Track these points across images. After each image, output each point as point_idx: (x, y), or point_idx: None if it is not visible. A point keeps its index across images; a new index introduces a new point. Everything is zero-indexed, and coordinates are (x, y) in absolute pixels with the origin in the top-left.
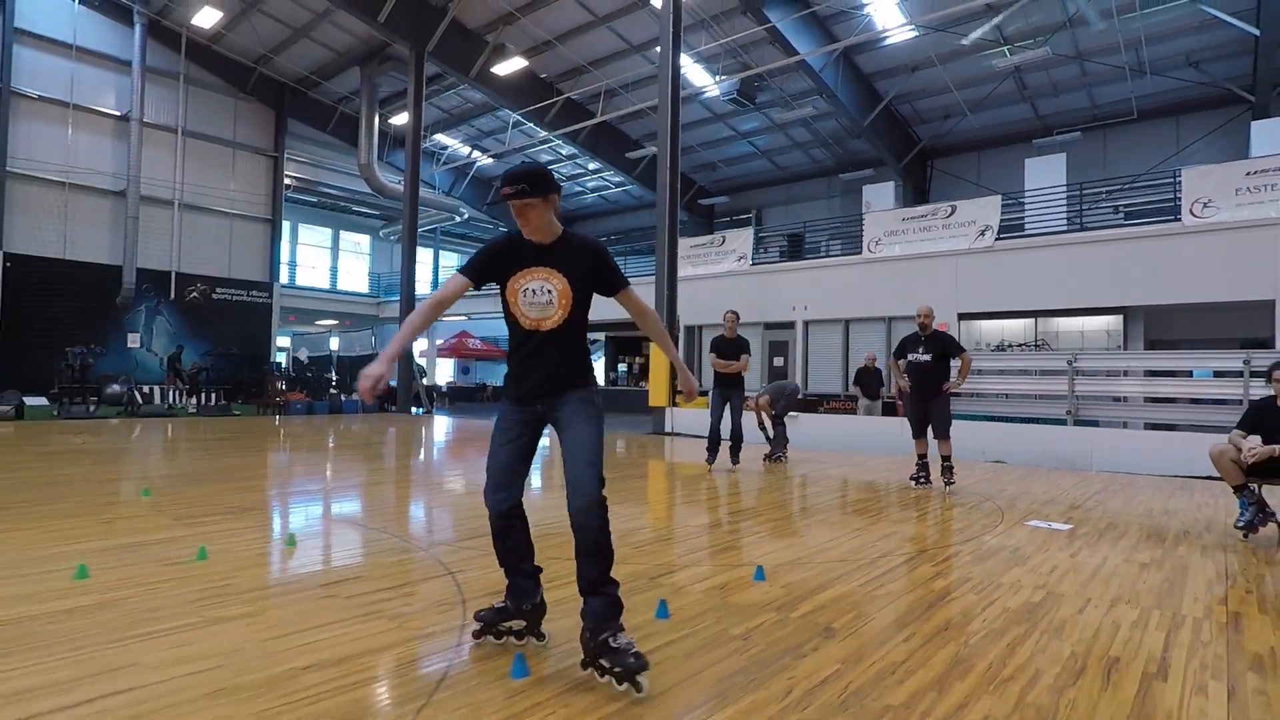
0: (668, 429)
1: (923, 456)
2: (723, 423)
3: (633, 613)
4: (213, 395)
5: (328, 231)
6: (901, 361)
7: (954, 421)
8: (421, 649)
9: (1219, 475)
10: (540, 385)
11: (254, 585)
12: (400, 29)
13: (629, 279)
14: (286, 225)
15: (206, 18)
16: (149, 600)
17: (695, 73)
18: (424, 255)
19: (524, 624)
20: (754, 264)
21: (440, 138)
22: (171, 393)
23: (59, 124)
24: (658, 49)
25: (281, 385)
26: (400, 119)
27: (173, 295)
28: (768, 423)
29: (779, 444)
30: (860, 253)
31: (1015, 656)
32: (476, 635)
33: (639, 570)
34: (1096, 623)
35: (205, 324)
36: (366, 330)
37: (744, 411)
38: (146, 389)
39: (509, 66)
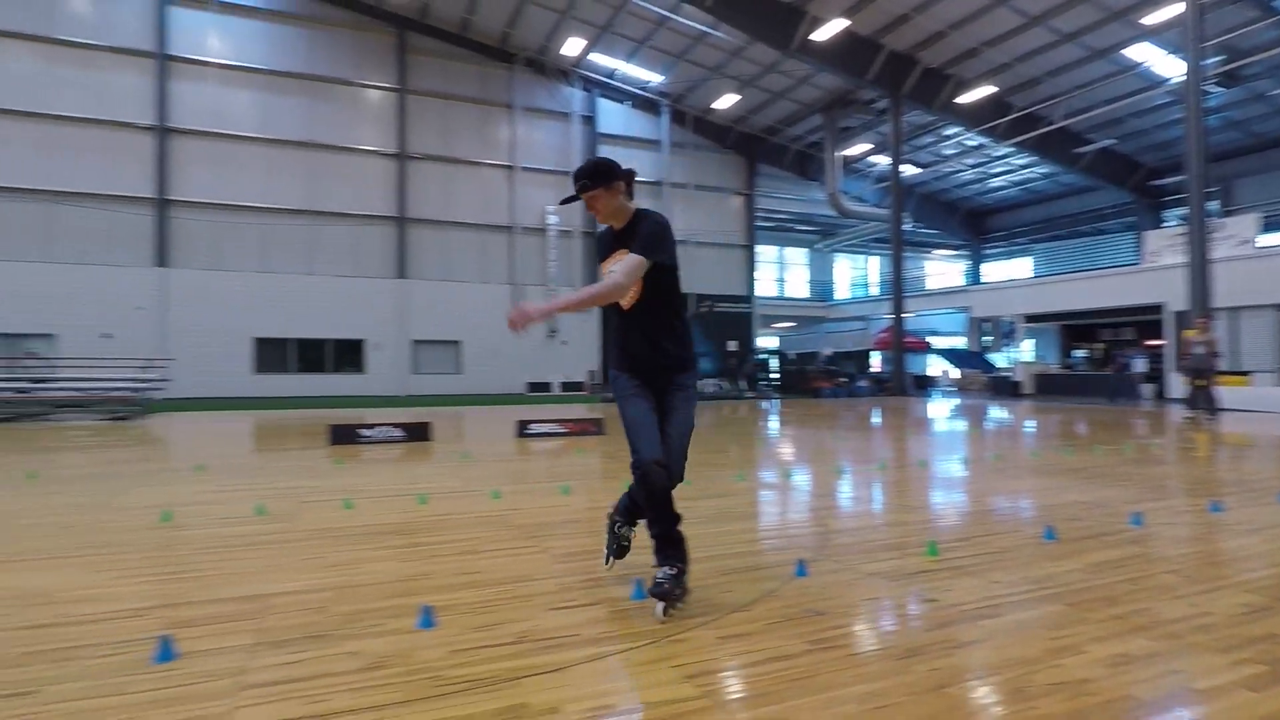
0: (1220, 406)
1: None
2: None
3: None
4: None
5: (774, 249)
6: None
7: None
8: None
9: None
10: (643, 362)
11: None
12: (881, 82)
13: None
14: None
15: (725, 101)
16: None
17: (1162, 61)
18: (856, 261)
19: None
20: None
21: (870, 158)
22: (741, 381)
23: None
24: (1122, 52)
25: (762, 374)
26: (849, 150)
27: (692, 311)
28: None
29: None
30: None
31: None
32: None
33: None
34: None
35: (712, 331)
36: (860, 325)
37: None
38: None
39: (974, 95)
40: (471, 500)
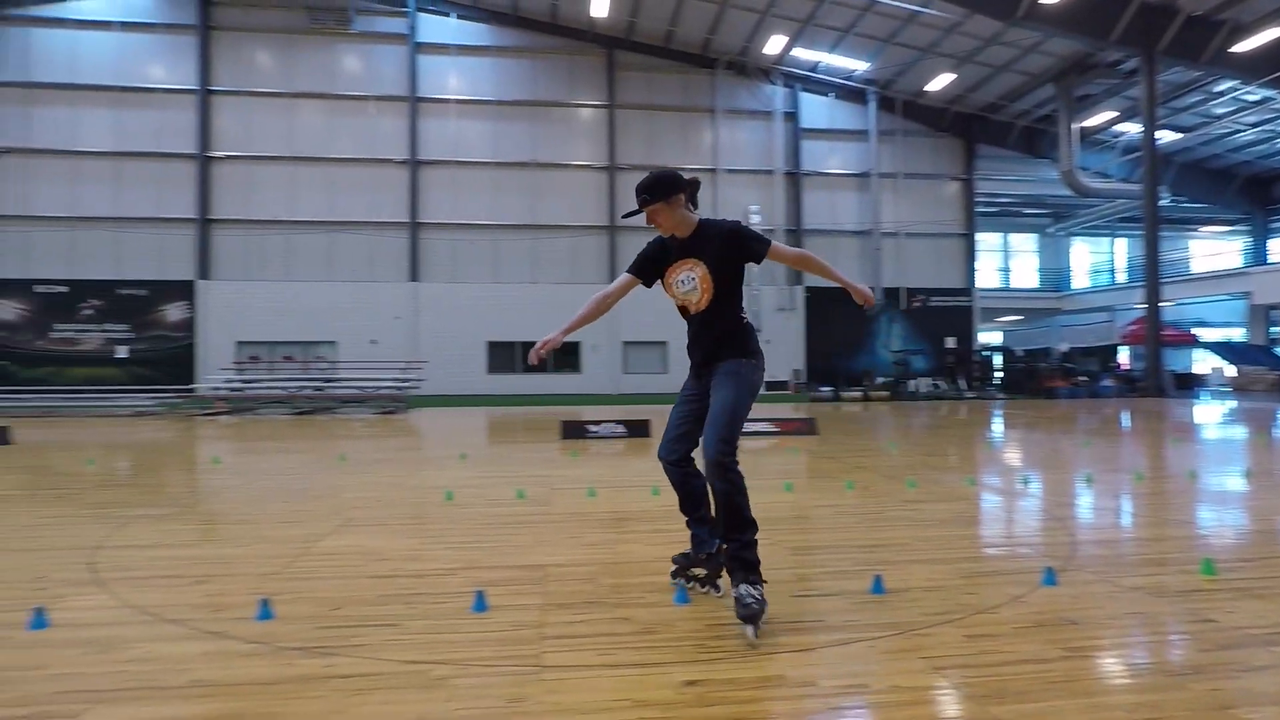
0: None
1: None
2: None
3: None
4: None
5: (998, 236)
6: None
7: None
8: None
9: None
10: (704, 357)
11: None
12: (1130, 40)
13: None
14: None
15: (939, 82)
16: None
17: None
18: (1097, 245)
19: (704, 573)
20: None
21: (1116, 127)
22: (960, 380)
23: (824, 189)
24: None
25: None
26: (1087, 121)
27: (901, 306)
28: None
29: None
30: None
31: None
32: (673, 576)
33: None
34: None
35: (926, 328)
36: (1103, 317)
37: None
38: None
39: (1256, 41)
40: None
